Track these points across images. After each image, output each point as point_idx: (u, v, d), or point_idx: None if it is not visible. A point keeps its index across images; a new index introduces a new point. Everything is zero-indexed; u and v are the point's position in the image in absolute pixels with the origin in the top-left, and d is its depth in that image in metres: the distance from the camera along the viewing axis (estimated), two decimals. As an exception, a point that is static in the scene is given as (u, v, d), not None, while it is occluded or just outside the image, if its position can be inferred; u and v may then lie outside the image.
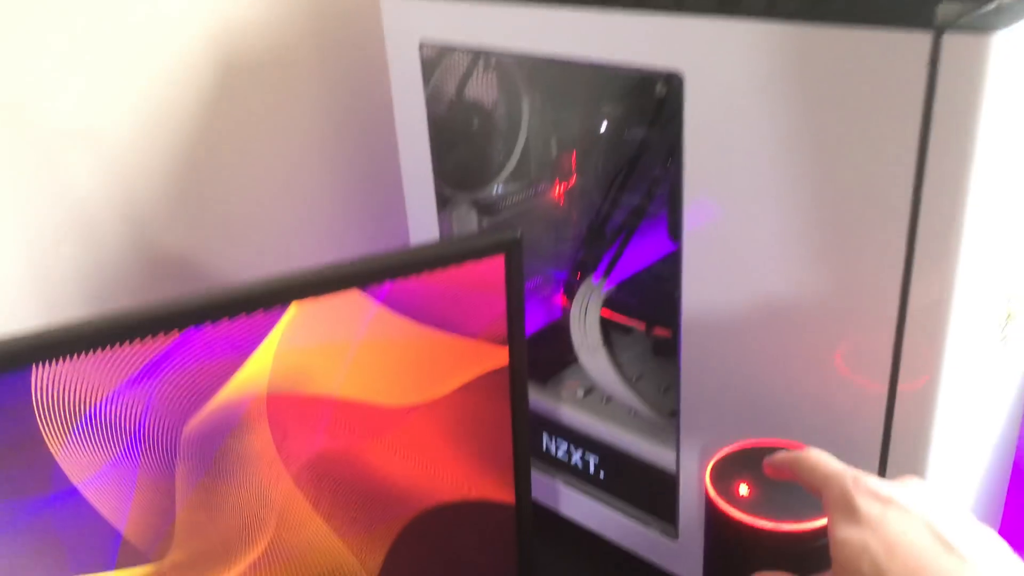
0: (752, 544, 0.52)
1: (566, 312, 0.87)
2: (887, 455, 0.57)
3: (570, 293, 0.89)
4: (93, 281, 0.78)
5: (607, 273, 0.80)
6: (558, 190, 0.93)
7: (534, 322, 0.92)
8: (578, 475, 0.81)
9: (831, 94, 0.50)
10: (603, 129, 0.84)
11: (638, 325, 0.89)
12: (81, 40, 0.71)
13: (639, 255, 0.83)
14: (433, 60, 0.78)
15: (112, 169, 0.76)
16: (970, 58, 0.45)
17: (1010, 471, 0.74)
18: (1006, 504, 0.77)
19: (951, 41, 0.46)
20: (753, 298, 0.58)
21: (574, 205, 0.92)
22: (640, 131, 0.80)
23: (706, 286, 0.60)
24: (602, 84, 0.83)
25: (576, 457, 0.81)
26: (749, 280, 0.58)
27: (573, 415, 0.80)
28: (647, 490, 0.76)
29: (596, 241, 0.86)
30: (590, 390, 0.83)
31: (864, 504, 0.40)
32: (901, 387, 0.55)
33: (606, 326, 0.80)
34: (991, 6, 0.47)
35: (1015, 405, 0.69)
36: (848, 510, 0.40)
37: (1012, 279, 0.60)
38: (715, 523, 0.54)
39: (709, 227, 0.59)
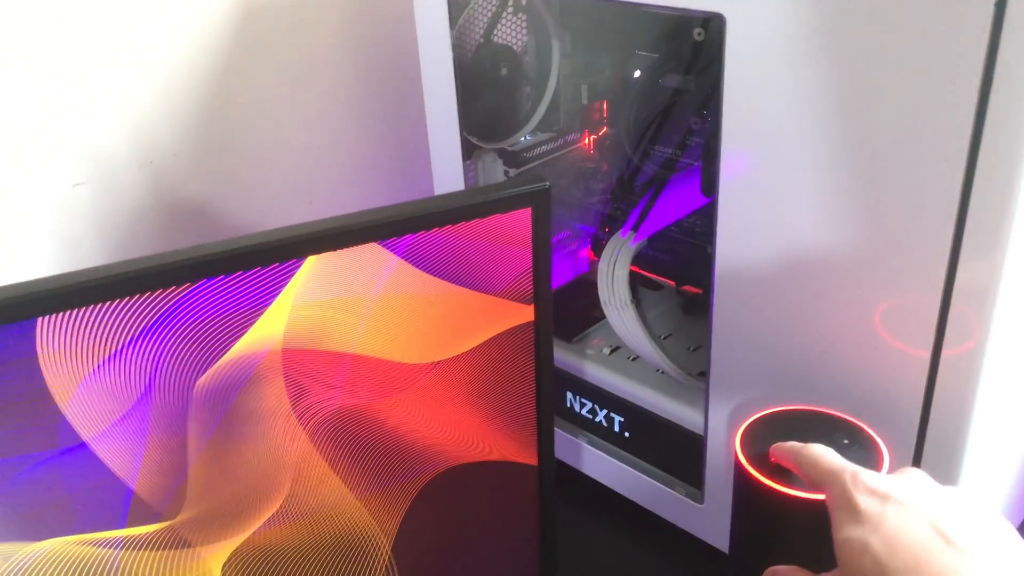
0: (781, 511, 0.50)
1: (593, 267, 0.85)
2: (927, 422, 0.55)
3: (598, 248, 0.86)
4: (111, 228, 0.77)
5: (636, 227, 0.77)
6: (588, 140, 0.90)
7: (560, 277, 0.90)
8: (602, 434, 0.79)
9: (883, 38, 0.47)
10: (636, 76, 0.81)
11: (668, 281, 0.87)
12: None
13: (670, 209, 0.80)
14: (460, 2, 0.75)
15: (128, 110, 0.74)
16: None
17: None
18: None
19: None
20: (791, 255, 0.55)
21: (604, 156, 0.89)
22: (675, 78, 0.77)
23: (742, 242, 0.57)
24: (637, 28, 0.79)
25: (600, 416, 0.79)
26: (787, 236, 0.55)
27: (598, 373, 0.78)
28: (673, 452, 0.74)
29: (626, 194, 0.83)
30: (616, 348, 0.80)
31: (863, 502, 0.41)
32: (945, 352, 0.52)
33: (634, 282, 0.77)
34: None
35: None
36: (849, 509, 0.41)
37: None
38: (744, 489, 0.52)
39: (747, 180, 0.56)
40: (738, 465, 0.52)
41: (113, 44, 0.71)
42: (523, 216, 0.48)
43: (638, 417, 0.76)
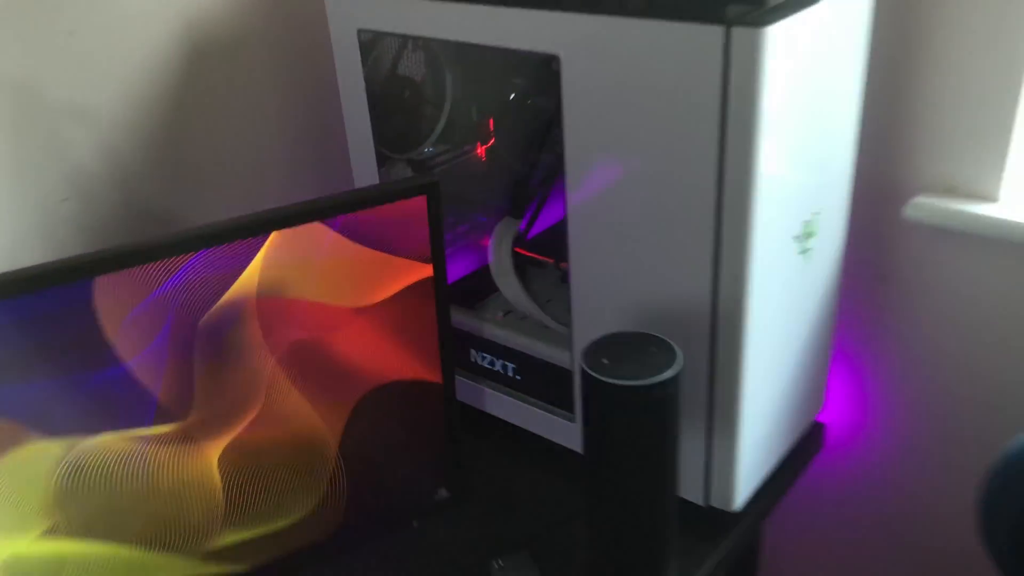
0: (608, 398, 0.72)
1: (490, 251, 1.06)
2: (715, 341, 0.78)
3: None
4: (91, 232, 0.95)
5: (531, 223, 0.99)
6: (480, 150, 1.12)
7: (465, 263, 1.11)
8: (499, 380, 1.01)
9: (653, 76, 0.70)
10: (512, 97, 1.03)
11: (548, 260, 1.09)
12: (77, 32, 0.87)
13: (554, 207, 1.02)
14: (369, 44, 0.96)
15: (104, 139, 0.93)
16: (751, 44, 0.65)
17: (828, 355, 0.95)
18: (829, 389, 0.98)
19: (739, 34, 0.65)
20: (616, 236, 0.78)
21: (495, 162, 1.11)
22: (544, 100, 0.99)
23: (586, 226, 0.80)
24: (511, 61, 1.01)
25: (498, 365, 1.01)
26: (616, 221, 0.78)
27: (495, 332, 1.00)
28: (551, 385, 0.96)
29: (522, 194, 1.05)
30: (508, 312, 1.02)
31: None
32: (720, 290, 0.75)
33: (523, 261, 0.99)
34: (766, 7, 0.67)
35: (824, 300, 0.90)
36: None
37: (810, 205, 0.80)
38: (584, 386, 0.74)
39: (585, 179, 0.78)
40: (582, 371, 0.74)
41: (88, 78, 0.89)
42: (421, 201, 0.69)
43: (525, 362, 0.97)
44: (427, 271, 0.72)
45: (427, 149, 1.08)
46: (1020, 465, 0.66)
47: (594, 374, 0.72)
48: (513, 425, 1.00)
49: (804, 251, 0.82)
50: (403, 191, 0.69)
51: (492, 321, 1.02)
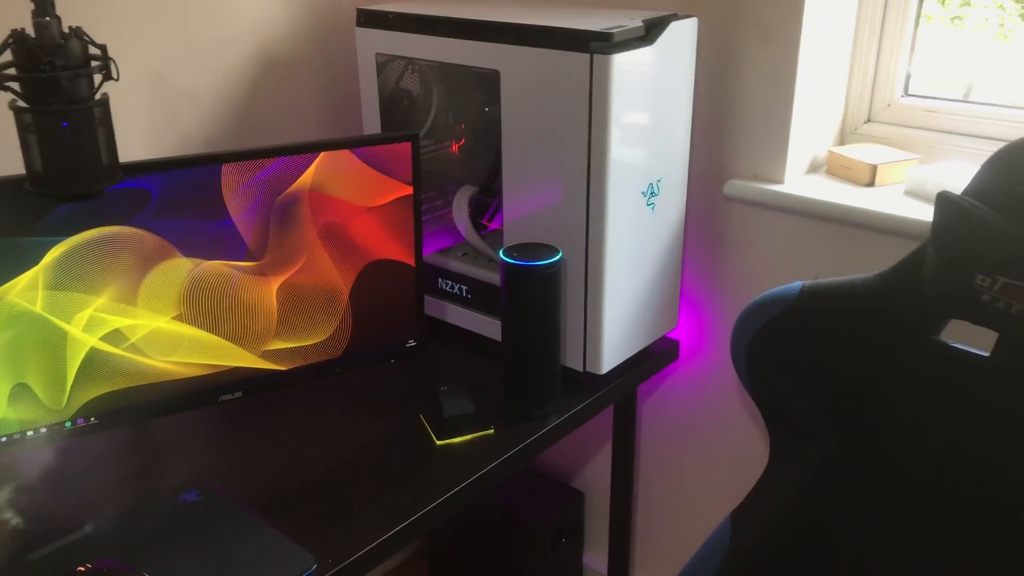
0: (515, 274, 1.18)
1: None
2: (587, 253, 1.24)
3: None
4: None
5: (493, 216, 1.47)
6: (455, 146, 1.60)
7: (443, 235, 1.58)
8: (457, 300, 1.47)
9: (550, 85, 1.18)
10: (474, 107, 1.52)
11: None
12: (193, 44, 1.36)
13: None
14: (382, 64, 1.45)
15: (202, 112, 1.41)
16: (605, 66, 1.14)
17: (677, 285, 1.42)
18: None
19: (597, 59, 1.14)
20: (530, 187, 1.26)
21: (465, 155, 1.59)
22: (497, 109, 1.48)
23: (518, 198, 1.28)
24: (477, 79, 1.51)
25: (456, 289, 1.47)
26: (530, 180, 1.25)
27: (456, 265, 1.46)
28: (488, 299, 1.42)
29: (489, 189, 1.52)
30: (465, 253, 1.49)
31: None
32: (590, 220, 1.22)
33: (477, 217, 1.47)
34: (614, 41, 1.16)
35: (670, 244, 1.37)
36: None
37: (652, 175, 1.28)
38: (502, 271, 1.20)
39: (516, 165, 1.26)
40: (501, 261, 1.20)
41: (193, 70, 1.38)
42: (407, 146, 1.17)
43: (475, 284, 1.44)
44: (409, 190, 1.20)
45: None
46: (751, 308, 1.12)
47: (507, 259, 1.19)
48: (463, 329, 1.46)
49: (650, 204, 1.30)
50: (398, 138, 1.16)
51: (455, 258, 1.49)
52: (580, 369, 1.33)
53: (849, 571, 1.12)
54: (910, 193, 1.32)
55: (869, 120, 1.45)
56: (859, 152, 1.38)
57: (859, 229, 1.30)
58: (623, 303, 1.31)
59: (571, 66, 1.16)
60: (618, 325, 1.31)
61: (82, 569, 0.95)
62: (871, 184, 1.34)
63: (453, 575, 1.91)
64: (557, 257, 1.19)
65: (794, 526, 1.13)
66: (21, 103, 0.81)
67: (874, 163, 1.34)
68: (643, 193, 1.28)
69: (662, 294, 1.40)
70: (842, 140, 1.46)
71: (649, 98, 1.24)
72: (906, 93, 1.42)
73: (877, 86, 1.42)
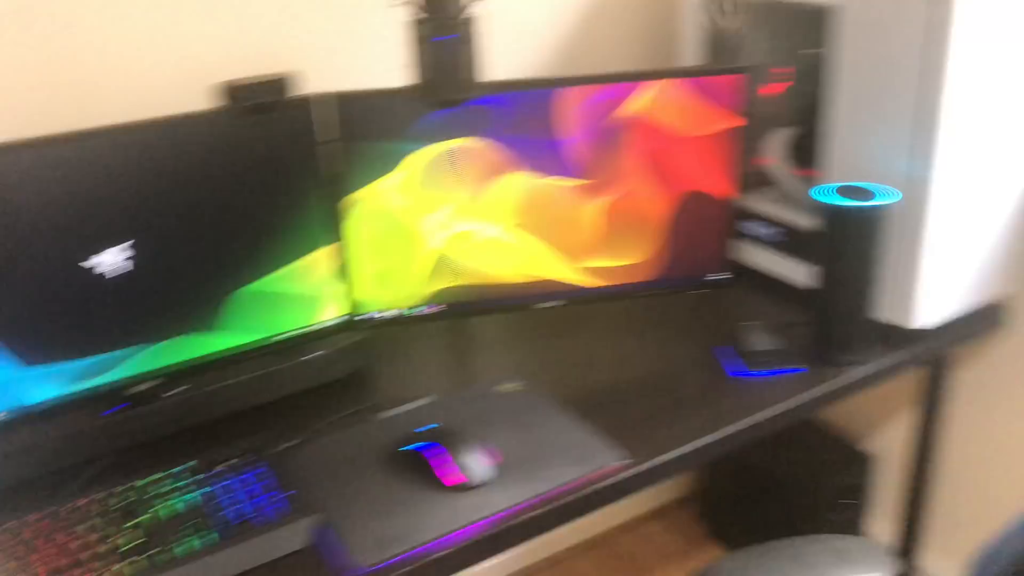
0: (836, 215, 1.16)
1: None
2: (914, 226, 1.18)
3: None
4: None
5: (806, 160, 1.44)
6: (771, 88, 1.58)
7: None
8: (759, 241, 1.46)
9: (898, 19, 1.13)
10: (794, 48, 1.49)
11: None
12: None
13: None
14: (704, 4, 1.45)
15: (536, 45, 1.50)
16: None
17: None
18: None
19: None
20: (863, 148, 1.22)
21: (782, 98, 1.57)
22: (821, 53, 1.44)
23: (845, 147, 1.24)
24: (798, 19, 1.47)
25: (758, 231, 1.46)
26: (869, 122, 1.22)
27: (762, 206, 1.45)
28: (798, 241, 1.39)
29: (807, 132, 1.48)
30: (772, 196, 1.48)
31: None
32: (925, 184, 1.16)
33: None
34: None
35: (1018, 196, 1.26)
36: None
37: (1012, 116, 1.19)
38: (825, 212, 1.18)
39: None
40: (822, 204, 1.18)
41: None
42: (742, 77, 1.18)
43: (782, 226, 1.42)
44: (740, 121, 1.21)
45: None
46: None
47: (830, 200, 1.17)
48: (757, 271, 1.46)
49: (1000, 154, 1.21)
50: (732, 70, 1.18)
51: (759, 199, 1.48)
52: (897, 323, 1.28)
53: None
54: None
55: None
56: None
57: None
58: (953, 258, 1.24)
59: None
60: (947, 281, 1.25)
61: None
62: None
63: (725, 520, 1.93)
64: (885, 198, 1.15)
65: None
66: (422, 13, 0.94)
67: None
68: (993, 141, 1.20)
69: (997, 255, 1.30)
70: None
71: (1013, 34, 1.15)
72: None
73: None
